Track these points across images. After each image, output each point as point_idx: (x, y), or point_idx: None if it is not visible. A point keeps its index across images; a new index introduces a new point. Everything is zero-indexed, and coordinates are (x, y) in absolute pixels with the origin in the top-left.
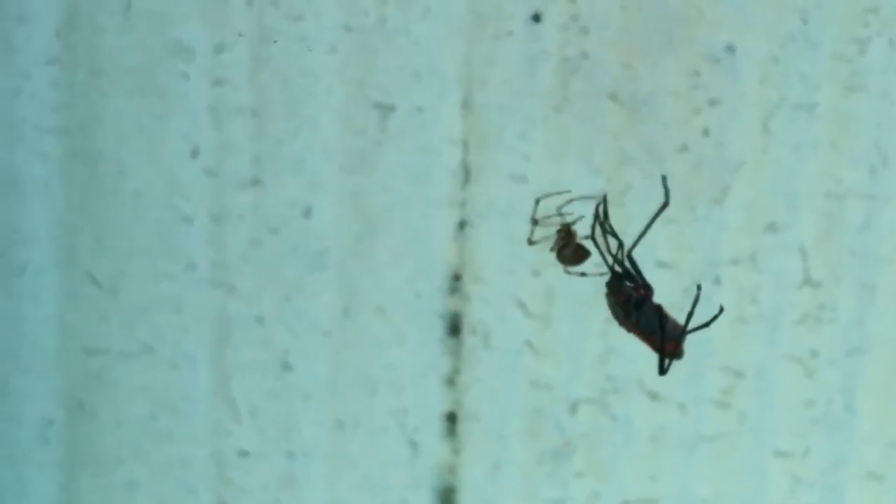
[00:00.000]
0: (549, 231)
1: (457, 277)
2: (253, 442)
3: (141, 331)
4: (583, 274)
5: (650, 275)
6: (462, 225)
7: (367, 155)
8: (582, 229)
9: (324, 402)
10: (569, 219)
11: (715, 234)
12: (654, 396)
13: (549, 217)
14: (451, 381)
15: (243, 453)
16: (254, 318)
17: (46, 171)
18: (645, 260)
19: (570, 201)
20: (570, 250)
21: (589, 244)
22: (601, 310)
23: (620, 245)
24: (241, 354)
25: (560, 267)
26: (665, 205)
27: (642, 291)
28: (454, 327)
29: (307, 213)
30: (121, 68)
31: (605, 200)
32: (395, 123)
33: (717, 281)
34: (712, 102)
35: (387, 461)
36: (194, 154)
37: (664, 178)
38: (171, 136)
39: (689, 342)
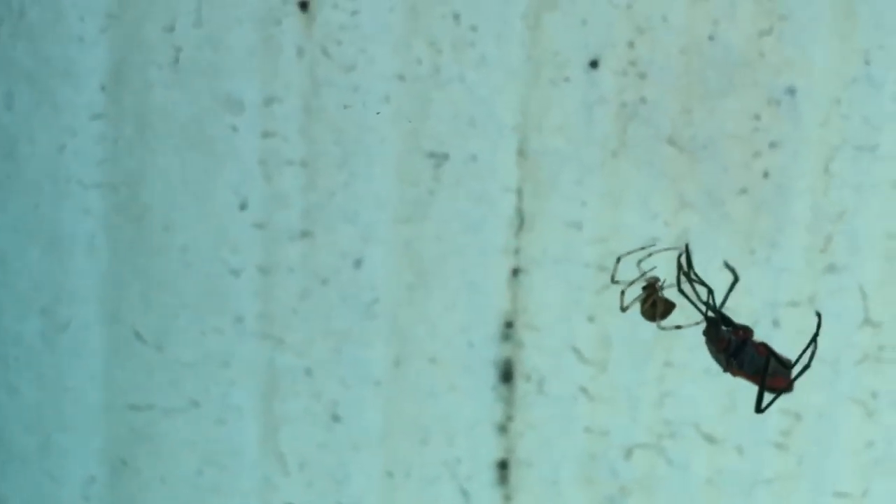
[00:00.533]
0: (629, 286)
1: (509, 325)
2: (301, 495)
3: (187, 385)
4: (678, 327)
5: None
6: (516, 272)
7: (420, 204)
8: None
9: (374, 453)
10: (650, 272)
11: (774, 276)
12: (710, 440)
13: (633, 277)
14: (503, 429)
15: None
16: (303, 369)
17: (91, 226)
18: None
19: (649, 254)
20: (656, 305)
21: (675, 295)
22: (658, 354)
23: (710, 292)
24: (289, 406)
25: (615, 312)
26: (735, 281)
27: (741, 333)
28: (507, 374)
29: (358, 263)
30: (168, 122)
31: (687, 250)
32: (449, 172)
33: (776, 324)
34: (773, 145)
35: None
36: (243, 207)
37: (726, 263)
38: (220, 189)
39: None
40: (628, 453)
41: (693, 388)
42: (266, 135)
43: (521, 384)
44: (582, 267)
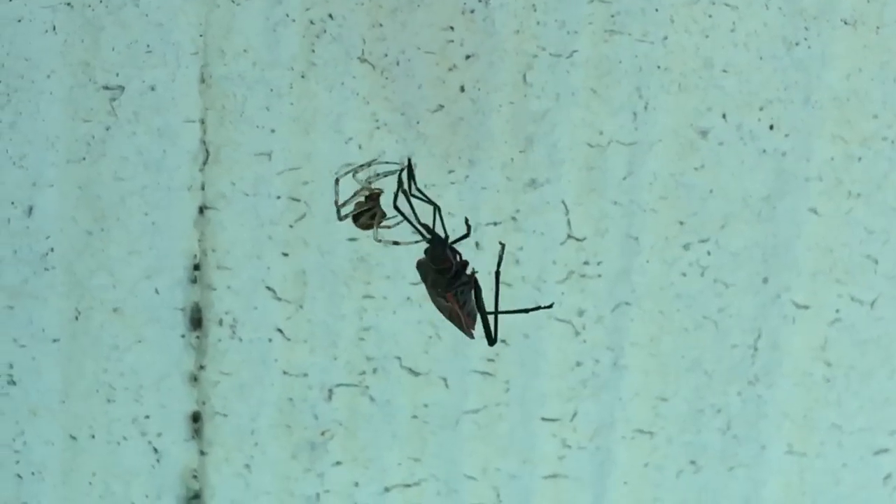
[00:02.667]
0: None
1: (197, 267)
2: None
3: None
4: (395, 242)
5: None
6: (203, 210)
7: (95, 142)
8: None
9: (54, 416)
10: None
11: (474, 195)
12: (414, 373)
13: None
14: (194, 379)
15: None
16: None
17: None
18: (405, 227)
19: (375, 174)
20: (375, 216)
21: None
22: (356, 287)
23: (437, 210)
24: None
25: (310, 245)
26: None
27: (460, 259)
28: (196, 320)
29: (29, 211)
30: None
31: (410, 165)
32: (126, 105)
33: (478, 246)
34: (468, 57)
35: (128, 473)
36: None
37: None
38: None
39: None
40: (329, 394)
41: (394, 321)
42: None
43: (212, 329)
44: (273, 199)
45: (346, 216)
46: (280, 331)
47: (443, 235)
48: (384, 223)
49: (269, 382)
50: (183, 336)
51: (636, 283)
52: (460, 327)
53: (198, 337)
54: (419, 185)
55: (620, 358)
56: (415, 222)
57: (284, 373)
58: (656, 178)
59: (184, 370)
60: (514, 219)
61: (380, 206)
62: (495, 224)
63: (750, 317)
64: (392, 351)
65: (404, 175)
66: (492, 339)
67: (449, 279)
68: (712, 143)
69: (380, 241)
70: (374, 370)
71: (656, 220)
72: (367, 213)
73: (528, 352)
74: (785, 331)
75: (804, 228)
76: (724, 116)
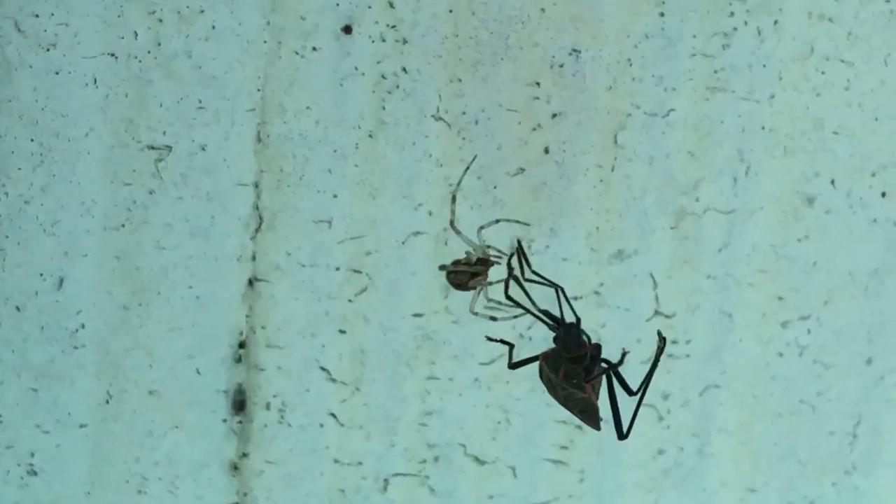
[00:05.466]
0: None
1: (243, 345)
2: None
3: None
4: (493, 319)
5: (480, 326)
6: (253, 282)
7: (136, 207)
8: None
9: None
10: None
11: (555, 267)
12: (479, 462)
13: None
14: (235, 468)
15: None
16: None
17: None
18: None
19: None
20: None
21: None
22: (420, 367)
23: (560, 291)
24: None
25: (371, 320)
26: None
27: (590, 342)
28: (240, 403)
29: (59, 283)
30: None
31: (520, 246)
32: (173, 167)
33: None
34: (555, 116)
35: None
36: None
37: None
38: None
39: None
40: (385, 485)
41: (460, 405)
42: None
43: (258, 413)
44: (332, 271)
45: (445, 268)
46: (333, 415)
47: (571, 319)
48: (488, 298)
49: (319, 472)
50: (225, 420)
51: (727, 364)
52: (591, 420)
53: (240, 422)
54: (532, 268)
55: (707, 445)
56: (534, 311)
57: (336, 461)
58: (755, 250)
59: (224, 458)
60: (597, 293)
61: (486, 274)
62: (576, 299)
63: (850, 401)
64: (456, 437)
65: (514, 260)
66: (623, 433)
67: (587, 367)
68: (818, 211)
69: (476, 313)
70: (436, 458)
71: (753, 295)
72: (471, 276)
73: (605, 438)
74: (888, 416)
75: None
76: (832, 182)
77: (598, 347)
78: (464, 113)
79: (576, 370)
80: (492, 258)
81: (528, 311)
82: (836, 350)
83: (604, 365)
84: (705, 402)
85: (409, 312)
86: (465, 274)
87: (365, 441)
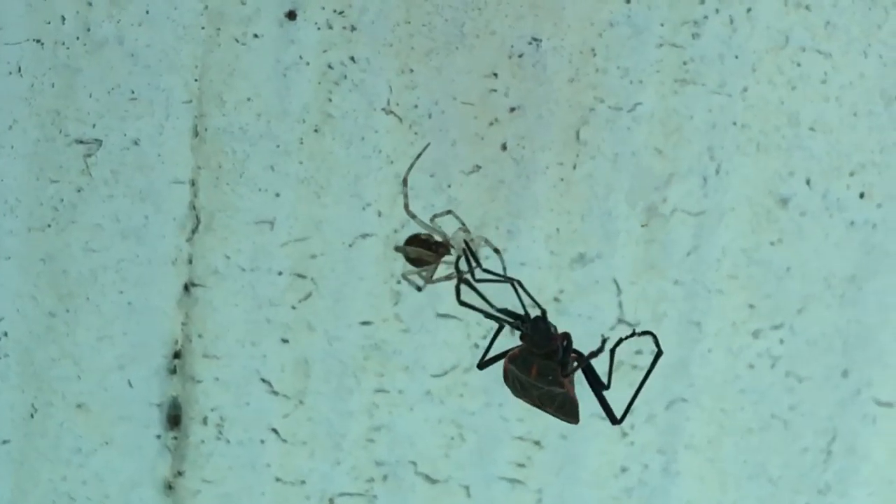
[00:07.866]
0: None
1: (177, 355)
2: None
3: None
4: (419, 289)
5: (435, 324)
6: (189, 287)
7: (64, 206)
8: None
9: None
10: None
11: (512, 271)
12: (432, 480)
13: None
14: (169, 487)
15: None
16: None
17: None
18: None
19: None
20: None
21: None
22: (368, 379)
23: (516, 285)
24: None
25: (315, 328)
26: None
27: (556, 331)
28: (174, 417)
29: None
30: None
31: (468, 247)
32: (103, 163)
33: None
34: (513, 110)
35: None
36: None
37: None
38: None
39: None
40: None
41: (410, 420)
42: None
43: (194, 429)
44: (274, 275)
45: (399, 248)
46: (275, 430)
47: (534, 312)
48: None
49: (260, 491)
50: (158, 436)
51: (695, 377)
52: (569, 415)
53: (175, 437)
54: (484, 265)
55: (672, 463)
56: (494, 312)
57: (278, 480)
58: (725, 254)
59: (158, 477)
60: (556, 300)
61: (438, 263)
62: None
63: (825, 416)
64: (406, 454)
65: (462, 262)
66: (617, 418)
67: (561, 361)
68: (793, 213)
69: (415, 286)
70: (385, 477)
71: (723, 303)
72: (425, 261)
73: (565, 455)
74: (864, 432)
75: (894, 314)
76: (808, 182)
77: (567, 336)
78: (416, 106)
79: (549, 366)
80: (451, 243)
81: (486, 314)
82: (811, 361)
83: (578, 354)
84: (671, 416)
85: (356, 320)
86: (424, 250)
87: (309, 458)
